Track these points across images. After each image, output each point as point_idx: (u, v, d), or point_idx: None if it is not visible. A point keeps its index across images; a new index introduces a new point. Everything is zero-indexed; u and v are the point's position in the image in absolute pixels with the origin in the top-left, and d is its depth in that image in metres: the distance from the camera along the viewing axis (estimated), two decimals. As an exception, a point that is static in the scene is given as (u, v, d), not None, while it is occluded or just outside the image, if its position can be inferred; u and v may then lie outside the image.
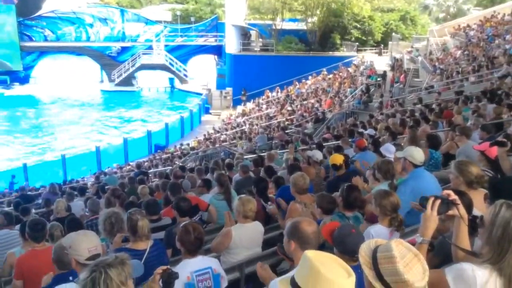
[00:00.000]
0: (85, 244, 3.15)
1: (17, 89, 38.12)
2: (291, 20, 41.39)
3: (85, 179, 18.93)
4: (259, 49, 36.18)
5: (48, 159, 23.41)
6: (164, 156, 21.20)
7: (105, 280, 2.13)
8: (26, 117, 33.15)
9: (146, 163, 19.54)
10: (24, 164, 21.00)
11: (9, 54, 37.56)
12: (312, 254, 1.83)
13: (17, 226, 6.38)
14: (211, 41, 40.88)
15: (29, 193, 14.19)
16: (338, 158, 6.13)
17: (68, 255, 3.14)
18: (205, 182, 7.13)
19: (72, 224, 5.74)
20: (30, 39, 38.69)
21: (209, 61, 42.59)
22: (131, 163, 21.69)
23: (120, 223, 4.32)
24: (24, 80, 39.20)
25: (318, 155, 7.28)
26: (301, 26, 39.22)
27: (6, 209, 10.61)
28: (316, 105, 22.58)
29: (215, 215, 6.07)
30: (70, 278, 3.27)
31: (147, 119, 33.14)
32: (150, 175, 14.14)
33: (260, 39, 37.30)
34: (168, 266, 2.65)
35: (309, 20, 38.45)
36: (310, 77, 30.46)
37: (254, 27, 37.39)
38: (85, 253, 3.12)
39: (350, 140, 9.14)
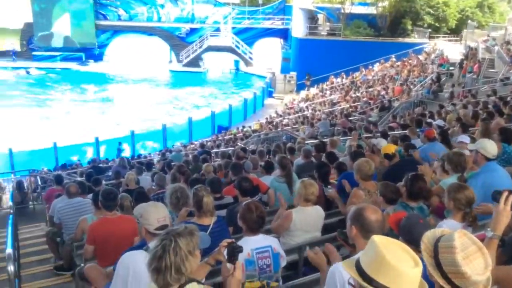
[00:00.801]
0: (154, 214, 3.33)
1: (92, 66, 40.00)
2: (360, 4, 40.22)
3: (152, 155, 19.66)
4: (326, 33, 35.57)
5: (118, 135, 24.52)
6: (227, 137, 21.55)
7: (174, 248, 2.24)
8: (98, 93, 34.77)
9: (209, 143, 19.97)
10: (96, 138, 22.12)
11: (85, 31, 39.42)
12: (379, 239, 1.82)
13: (90, 195, 6.82)
14: (277, 24, 40.66)
15: (100, 165, 15.00)
16: (390, 147, 6.05)
17: (139, 224, 3.34)
18: (266, 164, 7.22)
19: (140, 196, 6.04)
20: (105, 18, 40.37)
21: (274, 44, 42.48)
22: (194, 142, 22.26)
23: (185, 198, 4.50)
24: (98, 57, 41.07)
25: (383, 143, 7.15)
26: (371, 10, 37.99)
27: (79, 179, 11.31)
28: (382, 92, 21.98)
29: (274, 198, 6.14)
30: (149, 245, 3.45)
31: (211, 100, 33.74)
32: (212, 154, 14.46)
33: (328, 23, 36.63)
34: (233, 240, 2.74)
35: (380, 4, 37.18)
36: (377, 64, 29.63)
37: (322, 11, 36.76)
38: (154, 223, 3.30)
39: (417, 130, 8.87)
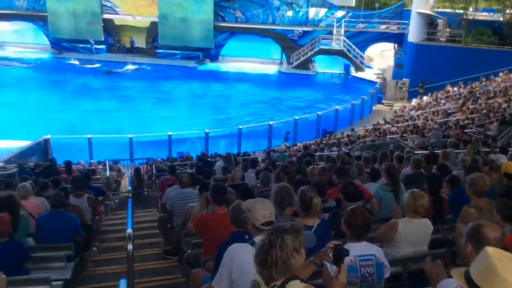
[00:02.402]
0: (261, 210, 3.46)
1: (208, 65, 42.06)
2: (485, 10, 37.45)
3: (256, 153, 20.16)
4: (445, 39, 33.63)
5: (224, 131, 25.51)
6: (331, 141, 21.36)
7: (281, 244, 2.31)
8: (211, 90, 36.45)
9: (312, 146, 19.96)
10: (206, 132, 23.21)
11: (205, 32, 41.53)
12: (492, 250, 1.76)
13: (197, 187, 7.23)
14: (393, 28, 39.33)
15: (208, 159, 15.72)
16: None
17: (246, 217, 3.50)
18: (372, 171, 7.07)
19: (245, 192, 6.25)
20: (223, 19, 42.15)
21: (387, 49, 41.14)
22: (298, 144, 22.39)
23: (290, 198, 4.58)
24: (214, 57, 43.02)
25: (502, 159, 6.65)
26: (497, 17, 35.21)
27: (189, 170, 11.96)
28: (504, 105, 20.25)
29: (378, 207, 5.99)
30: (246, 236, 3.61)
31: (318, 103, 33.67)
32: (316, 157, 14.45)
33: (448, 29, 34.62)
34: (340, 242, 2.75)
35: (508, 11, 34.28)
36: (500, 74, 27.35)
37: (442, 16, 34.84)
38: (260, 218, 3.43)
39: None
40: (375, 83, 35.03)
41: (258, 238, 3.13)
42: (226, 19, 42.20)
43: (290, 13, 41.43)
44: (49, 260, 5.30)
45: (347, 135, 22.18)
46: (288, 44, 41.13)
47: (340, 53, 39.49)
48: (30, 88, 33.20)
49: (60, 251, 5.44)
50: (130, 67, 40.63)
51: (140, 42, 43.81)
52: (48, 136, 20.95)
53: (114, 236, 8.59)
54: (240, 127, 24.30)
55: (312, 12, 41.26)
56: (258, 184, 8.11)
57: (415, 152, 10.65)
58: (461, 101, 24.36)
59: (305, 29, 40.83)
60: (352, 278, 3.36)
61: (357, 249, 3.46)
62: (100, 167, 17.12)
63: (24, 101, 30.02)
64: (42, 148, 20.97)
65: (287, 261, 2.29)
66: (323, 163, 11.44)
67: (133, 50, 43.56)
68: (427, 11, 34.52)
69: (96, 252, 7.26)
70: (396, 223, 4.20)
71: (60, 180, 8.33)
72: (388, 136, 18.80)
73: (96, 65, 40.16)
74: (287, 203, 4.52)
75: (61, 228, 5.84)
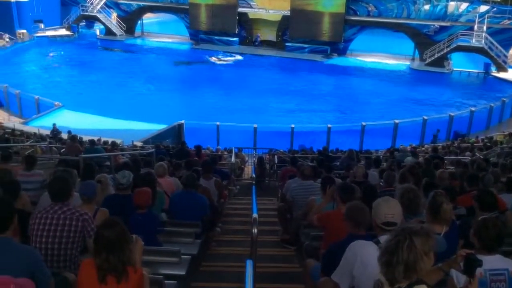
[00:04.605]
0: (383, 209, 3.42)
1: (335, 59, 41.69)
2: None
3: (379, 152, 19.59)
4: None
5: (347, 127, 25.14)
6: (463, 145, 19.92)
7: (408, 246, 2.27)
8: (336, 85, 36.10)
9: (440, 148, 18.81)
10: (328, 127, 23.13)
11: (335, 26, 41.16)
12: None
13: (319, 180, 7.29)
14: (545, 26, 35.31)
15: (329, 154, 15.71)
16: None
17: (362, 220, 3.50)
18: (509, 180, 6.50)
19: (369, 190, 6.17)
20: (354, 13, 41.38)
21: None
22: (425, 145, 21.27)
23: (417, 200, 4.43)
24: (342, 51, 42.50)
25: None
26: None
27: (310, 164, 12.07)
28: None
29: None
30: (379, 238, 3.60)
31: (451, 103, 31.54)
32: (446, 161, 13.61)
33: None
34: (472, 251, 2.62)
35: None
36: None
37: None
38: (381, 217, 3.39)
39: None
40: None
41: (382, 238, 3.11)
42: (358, 13, 41.35)
43: (427, 7, 39.23)
44: (180, 235, 5.76)
45: (482, 140, 20.51)
46: (423, 39, 39.07)
47: (480, 50, 36.47)
48: (169, 79, 36.05)
49: (189, 228, 5.89)
50: (236, 57, 42.09)
51: (270, 35, 44.93)
52: (182, 121, 22.63)
53: (236, 220, 9.04)
54: (363, 123, 23.77)
55: (452, 6, 38.60)
56: (381, 183, 7.92)
57: None
58: None
59: (442, 24, 38.39)
60: (480, 292, 3.17)
61: (488, 262, 3.24)
62: (226, 153, 18.06)
63: (162, 90, 32.76)
64: (176, 132, 22.76)
65: (415, 264, 2.25)
66: (452, 167, 10.78)
67: (258, 44, 45.02)
68: None
69: (219, 233, 7.71)
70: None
71: (192, 163, 8.98)
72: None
73: (230, 59, 41.94)
74: (414, 206, 4.37)
75: (192, 207, 6.31)
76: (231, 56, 42.47)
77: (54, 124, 20.38)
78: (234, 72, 38.65)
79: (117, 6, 48.46)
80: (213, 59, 41.72)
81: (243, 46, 44.79)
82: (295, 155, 14.35)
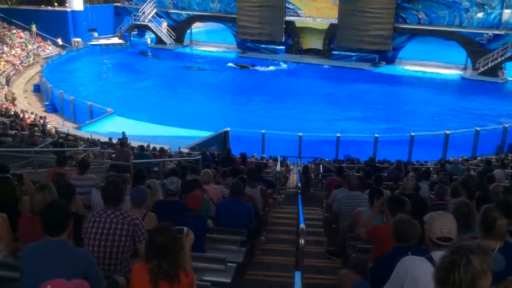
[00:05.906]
0: (438, 223, 3.31)
1: (383, 67, 41.00)
2: None
3: (428, 163, 19.02)
4: None
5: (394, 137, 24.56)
6: (519, 158, 19.00)
7: (465, 265, 2.16)
8: (385, 94, 35.40)
9: (493, 161, 18.02)
10: (375, 137, 22.68)
11: (383, 34, 40.52)
12: None
13: (366, 191, 7.15)
14: None
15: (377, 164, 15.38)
16: None
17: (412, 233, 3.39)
18: None
19: (418, 203, 6.02)
20: (404, 21, 40.58)
21: None
22: (478, 157, 20.45)
23: (471, 215, 4.27)
24: (391, 59, 41.75)
25: None
26: None
27: (357, 174, 11.87)
28: None
29: None
30: (409, 253, 3.52)
31: (505, 114, 30.25)
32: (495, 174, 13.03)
33: None
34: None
35: None
36: None
37: None
38: (437, 232, 3.29)
39: None
40: None
41: (435, 254, 3.01)
42: (408, 21, 40.54)
43: (480, 14, 37.97)
44: (225, 242, 5.79)
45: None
46: (475, 48, 37.80)
47: (538, 59, 34.88)
48: (216, 88, 36.57)
49: (235, 236, 5.90)
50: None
51: (317, 43, 44.76)
52: (228, 129, 22.84)
53: (281, 229, 9.00)
54: (412, 134, 23.17)
55: (507, 14, 37.16)
56: (431, 196, 7.68)
57: None
58: None
59: (496, 32, 37.01)
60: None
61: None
62: (271, 161, 18.06)
63: (209, 97, 33.27)
64: (222, 139, 22.99)
65: (472, 284, 2.15)
66: (507, 181, 10.33)
67: (302, 52, 45.04)
68: None
69: (264, 241, 7.70)
70: None
71: (238, 170, 9.04)
72: None
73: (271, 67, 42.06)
74: (467, 221, 4.21)
75: (238, 215, 6.34)
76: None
77: (123, 133, 20.13)
78: (280, 80, 38.69)
79: (167, 15, 49.86)
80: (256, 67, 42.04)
81: (289, 55, 44.84)
82: (341, 164, 14.15)
